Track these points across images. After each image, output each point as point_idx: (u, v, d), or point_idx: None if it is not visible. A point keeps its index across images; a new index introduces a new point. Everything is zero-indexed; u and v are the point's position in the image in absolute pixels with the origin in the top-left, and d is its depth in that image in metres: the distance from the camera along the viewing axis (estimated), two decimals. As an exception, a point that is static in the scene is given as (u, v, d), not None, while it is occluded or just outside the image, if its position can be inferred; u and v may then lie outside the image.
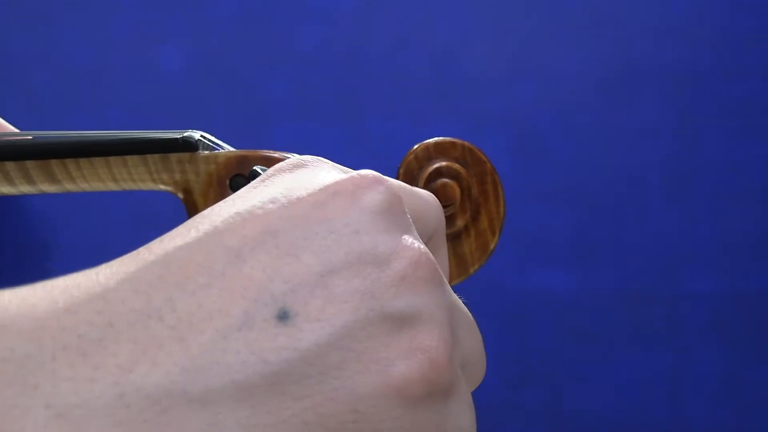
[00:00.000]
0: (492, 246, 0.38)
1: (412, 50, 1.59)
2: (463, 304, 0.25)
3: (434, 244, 0.28)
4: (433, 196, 0.28)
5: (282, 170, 0.24)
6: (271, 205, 0.22)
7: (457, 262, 0.38)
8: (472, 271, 0.38)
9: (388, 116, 1.58)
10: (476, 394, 1.54)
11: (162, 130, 0.39)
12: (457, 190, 0.37)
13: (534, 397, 1.53)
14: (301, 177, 0.23)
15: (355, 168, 1.58)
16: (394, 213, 0.23)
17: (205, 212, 0.22)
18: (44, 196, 1.66)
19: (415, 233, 0.23)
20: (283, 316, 0.20)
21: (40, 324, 0.18)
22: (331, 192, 0.22)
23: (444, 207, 0.37)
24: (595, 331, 1.54)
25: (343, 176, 0.23)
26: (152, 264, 0.20)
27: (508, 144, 1.56)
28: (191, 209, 0.38)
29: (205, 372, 0.19)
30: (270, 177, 0.24)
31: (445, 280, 0.23)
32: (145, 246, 0.21)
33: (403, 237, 0.22)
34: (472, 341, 0.25)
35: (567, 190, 1.55)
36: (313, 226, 0.21)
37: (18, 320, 0.18)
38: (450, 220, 0.38)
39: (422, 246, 0.22)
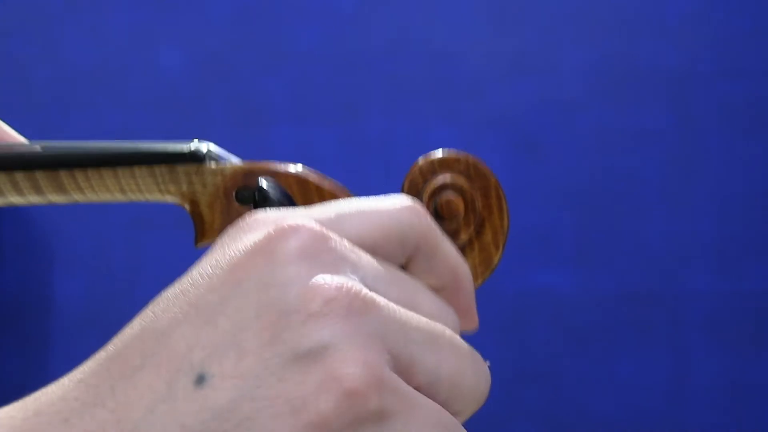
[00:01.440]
0: (496, 260, 0.38)
1: (412, 51, 1.59)
2: (423, 322, 0.25)
3: (425, 250, 0.28)
4: (407, 203, 0.28)
5: (222, 240, 0.25)
6: (199, 279, 0.24)
7: None
8: (475, 285, 0.38)
9: (388, 116, 1.58)
10: (476, 394, 1.54)
11: (170, 142, 0.40)
12: (461, 205, 0.37)
13: (534, 397, 1.54)
14: (230, 244, 0.25)
15: (354, 168, 1.58)
16: (310, 255, 0.23)
17: (156, 299, 0.25)
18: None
19: (343, 259, 0.24)
20: (199, 381, 0.21)
21: (15, 428, 0.22)
22: (249, 253, 0.24)
23: (448, 221, 0.37)
24: (596, 331, 1.54)
25: (261, 235, 0.24)
26: (104, 359, 0.23)
27: (508, 144, 1.57)
28: (198, 220, 0.39)
29: None
30: (212, 248, 0.25)
31: (380, 303, 0.23)
32: (110, 341, 0.24)
33: (315, 278, 0.23)
34: (440, 358, 0.24)
35: (567, 191, 1.55)
36: (229, 291, 0.23)
37: None
38: (454, 234, 0.38)
39: (336, 281, 0.23)
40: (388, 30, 1.60)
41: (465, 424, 1.54)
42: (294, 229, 0.24)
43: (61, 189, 0.39)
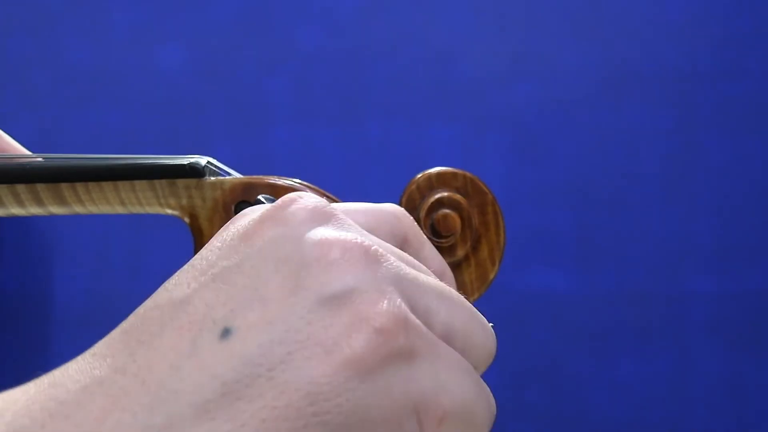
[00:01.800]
0: (492, 276, 0.38)
1: (412, 51, 1.59)
2: (433, 279, 0.26)
3: (414, 245, 0.29)
4: (394, 206, 0.29)
5: (224, 226, 0.27)
6: (209, 253, 0.25)
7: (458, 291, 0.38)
8: (471, 300, 0.39)
9: (388, 117, 1.58)
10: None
11: (170, 156, 0.40)
12: (458, 221, 0.37)
13: (534, 397, 1.54)
14: (235, 222, 0.26)
15: (354, 168, 1.59)
16: (319, 214, 0.25)
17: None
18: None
19: (349, 224, 0.25)
20: (225, 334, 0.22)
21: (30, 399, 0.22)
22: (259, 221, 0.25)
23: (445, 237, 0.37)
24: (596, 331, 1.54)
25: (265, 208, 0.25)
26: (119, 333, 0.23)
27: (508, 144, 1.57)
28: (197, 234, 0.39)
29: (166, 403, 0.21)
30: (215, 235, 0.26)
31: (390, 257, 0.24)
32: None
33: (328, 231, 0.24)
34: (452, 311, 0.25)
35: (567, 190, 1.55)
36: (244, 253, 0.24)
37: (11, 405, 0.22)
38: (450, 249, 0.38)
39: (349, 233, 0.24)
40: (388, 30, 1.60)
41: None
42: (299, 198, 0.25)
43: (62, 201, 0.39)
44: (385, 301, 0.22)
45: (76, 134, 1.63)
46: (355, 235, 0.24)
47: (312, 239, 0.23)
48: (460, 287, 0.38)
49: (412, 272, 0.25)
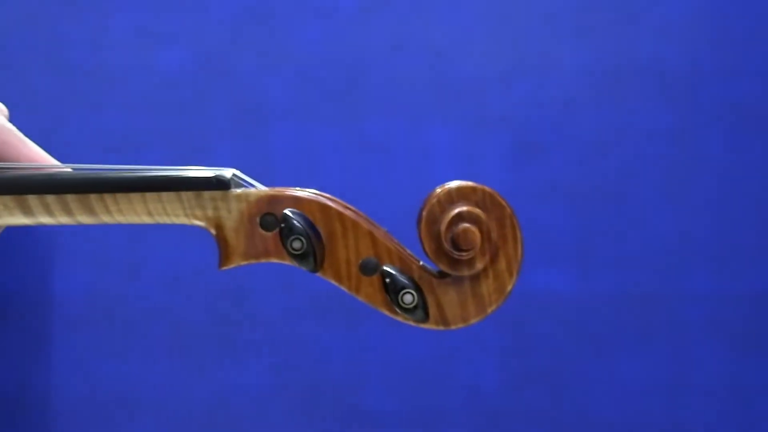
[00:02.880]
0: (510, 287, 0.39)
1: (412, 51, 1.59)
2: None
3: None
4: None
5: None
6: None
7: (476, 302, 0.40)
8: (489, 311, 0.40)
9: (388, 117, 1.58)
10: (477, 394, 1.55)
11: (197, 167, 0.42)
12: (478, 235, 0.38)
13: (535, 398, 1.54)
14: None
15: (354, 168, 1.59)
16: None
17: None
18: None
19: None
20: None
21: None
22: None
23: (465, 251, 0.38)
24: (596, 331, 1.55)
25: None
26: None
27: (508, 144, 1.57)
28: (222, 244, 0.40)
29: None
30: None
31: None
32: None
33: None
34: None
35: (567, 190, 1.56)
36: None
37: None
38: (470, 262, 0.39)
39: None
40: (388, 30, 1.60)
41: (464, 424, 1.55)
42: None
43: (90, 211, 0.40)
44: None
45: (76, 134, 1.62)
46: None
47: None
48: (479, 299, 0.40)
49: None
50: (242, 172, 1.60)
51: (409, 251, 0.41)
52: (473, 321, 0.40)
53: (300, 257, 0.39)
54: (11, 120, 1.63)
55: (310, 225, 0.39)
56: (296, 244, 0.39)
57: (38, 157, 0.44)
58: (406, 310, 0.39)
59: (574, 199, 1.56)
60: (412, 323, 0.39)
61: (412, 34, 1.59)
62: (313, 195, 0.40)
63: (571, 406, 1.54)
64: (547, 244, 1.56)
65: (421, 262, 0.40)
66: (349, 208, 0.40)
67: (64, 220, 0.41)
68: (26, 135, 1.63)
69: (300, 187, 1.59)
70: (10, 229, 1.63)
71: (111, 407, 1.60)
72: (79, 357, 1.62)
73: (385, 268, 0.39)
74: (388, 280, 0.39)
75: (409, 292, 0.38)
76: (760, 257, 1.53)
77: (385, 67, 1.59)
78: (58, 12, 1.64)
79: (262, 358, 1.58)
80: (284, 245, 0.39)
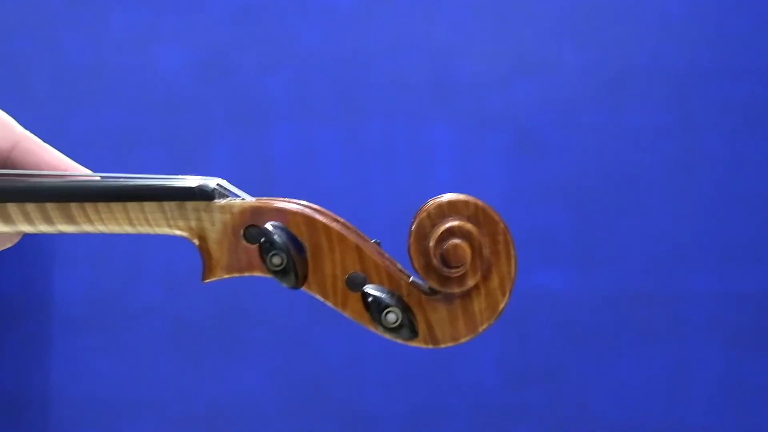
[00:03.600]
0: (502, 306, 0.38)
1: (412, 51, 1.59)
2: None
3: None
4: None
5: None
6: None
7: (467, 320, 0.38)
8: (481, 330, 0.38)
9: (388, 117, 1.58)
10: (477, 394, 1.55)
11: (180, 176, 0.40)
12: (468, 251, 0.36)
13: (534, 397, 1.54)
14: None
15: (354, 168, 1.58)
16: None
17: None
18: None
19: None
20: None
21: None
22: None
23: (455, 267, 0.37)
24: (596, 331, 1.55)
25: None
26: None
27: (508, 144, 1.57)
28: (206, 256, 0.39)
29: None
30: None
31: None
32: None
33: None
34: None
35: (567, 190, 1.56)
36: None
37: None
38: (461, 279, 0.37)
39: None
40: (388, 30, 1.59)
41: (464, 424, 1.55)
42: None
43: (71, 221, 0.39)
44: None
45: (76, 134, 1.62)
46: None
47: None
48: (470, 317, 0.38)
49: None
50: (242, 171, 1.60)
51: (399, 266, 0.39)
52: (464, 340, 0.38)
53: (280, 273, 0.37)
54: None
55: (293, 239, 0.38)
56: (275, 260, 0.37)
57: (61, 164, 0.42)
58: (389, 330, 0.37)
59: (574, 199, 1.55)
60: (400, 342, 0.38)
61: (413, 34, 1.59)
62: (300, 207, 0.38)
63: (571, 406, 1.54)
64: (546, 243, 1.55)
65: (411, 278, 0.39)
66: (338, 221, 0.39)
67: (44, 228, 0.40)
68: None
69: (299, 187, 1.59)
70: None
71: (111, 407, 1.60)
72: (78, 357, 1.62)
73: (365, 288, 0.38)
74: (370, 299, 0.37)
75: (392, 311, 0.37)
76: (760, 257, 1.53)
77: (386, 66, 1.59)
78: (57, 12, 1.64)
79: (263, 358, 1.58)
80: (263, 260, 0.37)
